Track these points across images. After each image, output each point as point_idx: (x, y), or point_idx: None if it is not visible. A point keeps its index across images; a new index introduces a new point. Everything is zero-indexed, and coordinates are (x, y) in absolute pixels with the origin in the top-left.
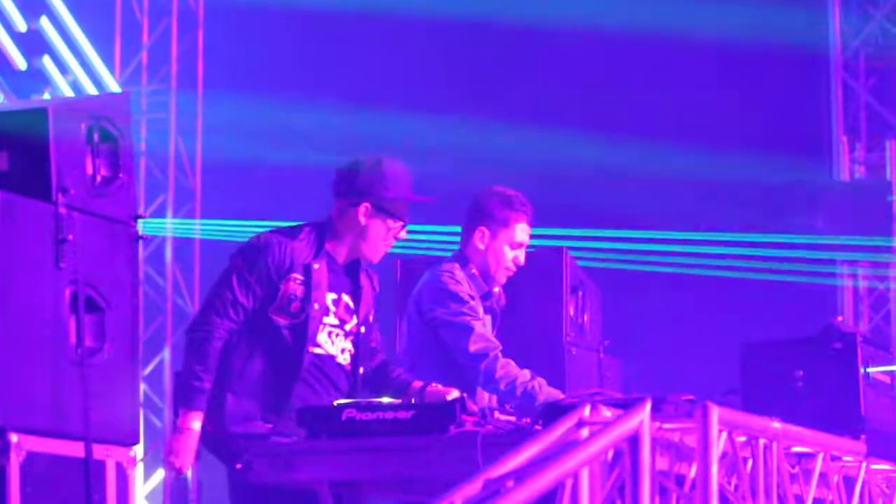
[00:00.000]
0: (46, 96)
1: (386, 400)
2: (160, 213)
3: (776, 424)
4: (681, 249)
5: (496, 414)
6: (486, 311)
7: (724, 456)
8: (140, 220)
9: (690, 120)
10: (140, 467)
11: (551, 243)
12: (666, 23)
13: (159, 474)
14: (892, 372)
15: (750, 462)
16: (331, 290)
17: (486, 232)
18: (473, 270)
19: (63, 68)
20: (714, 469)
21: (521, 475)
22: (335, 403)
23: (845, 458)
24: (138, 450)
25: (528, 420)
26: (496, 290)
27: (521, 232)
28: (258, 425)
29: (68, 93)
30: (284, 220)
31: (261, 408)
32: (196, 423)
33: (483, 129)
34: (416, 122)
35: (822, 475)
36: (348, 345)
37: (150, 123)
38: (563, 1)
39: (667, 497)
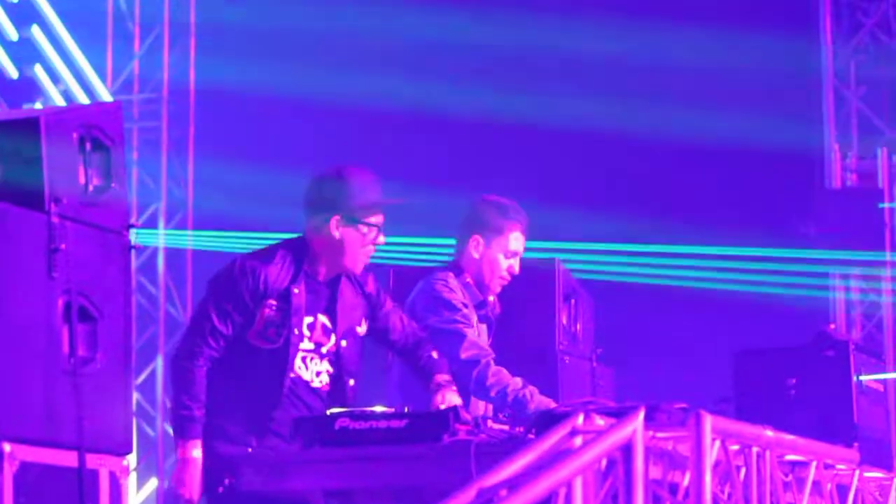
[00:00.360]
0: (38, 105)
1: (379, 409)
2: (152, 222)
3: (769, 433)
4: (674, 261)
5: (489, 423)
6: (480, 319)
7: (717, 464)
8: (132, 230)
9: (681, 130)
10: (133, 477)
11: (544, 255)
12: (655, 39)
13: (152, 483)
14: (884, 380)
15: (743, 470)
16: (308, 313)
17: (481, 241)
18: (468, 279)
19: (54, 77)
20: (707, 477)
21: (514, 484)
22: (329, 412)
23: (838, 467)
24: (131, 459)
25: (522, 429)
26: (491, 298)
27: (516, 241)
28: (239, 448)
29: (60, 102)
30: (277, 229)
31: (242, 431)
32: (195, 451)
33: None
34: (414, 130)
35: (816, 483)
36: (325, 366)
37: (142, 133)
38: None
39: None
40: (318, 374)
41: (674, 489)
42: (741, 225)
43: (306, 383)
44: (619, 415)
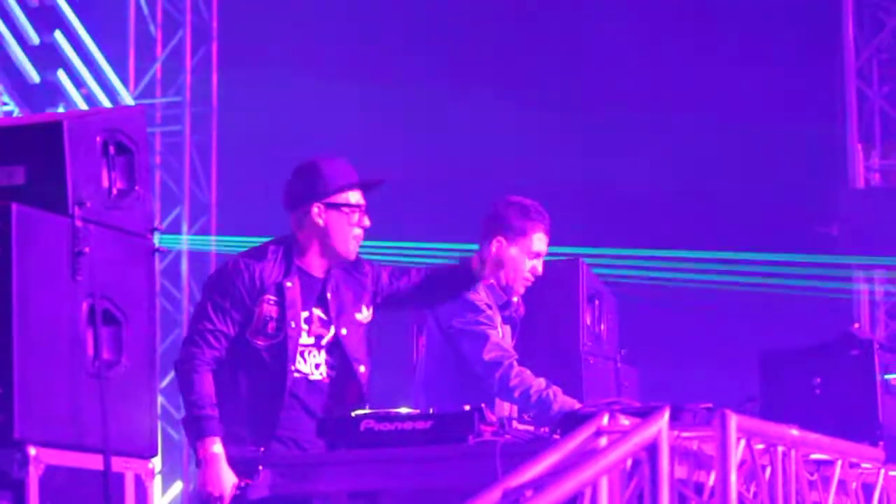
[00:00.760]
0: (61, 109)
1: (404, 410)
2: (176, 225)
3: (794, 432)
4: (699, 263)
5: (514, 423)
6: (504, 321)
7: (742, 464)
8: (156, 233)
9: (704, 133)
10: (158, 479)
11: (569, 251)
12: (678, 41)
13: (177, 487)
14: None
15: (768, 470)
16: (304, 308)
17: (504, 242)
18: (491, 281)
19: (77, 82)
20: (733, 477)
21: (539, 484)
22: (353, 414)
23: (863, 465)
24: (156, 462)
25: (547, 429)
26: (515, 299)
27: (539, 241)
28: (250, 450)
29: (82, 106)
30: None
31: (250, 432)
32: (215, 447)
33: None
34: (425, 136)
35: (841, 482)
36: (322, 357)
37: (165, 136)
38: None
39: None
40: (316, 366)
41: (699, 489)
42: (765, 225)
43: (306, 378)
44: (644, 415)
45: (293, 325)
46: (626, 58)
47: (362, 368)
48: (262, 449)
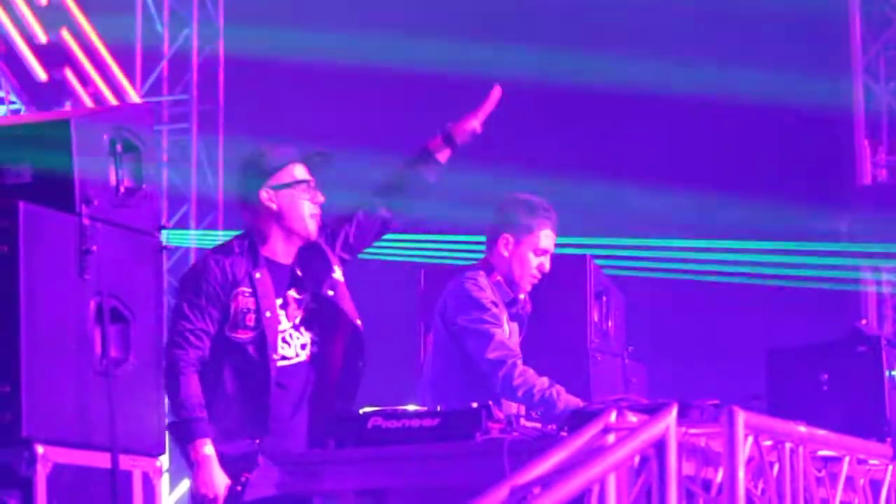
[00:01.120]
0: (68, 107)
1: (412, 408)
2: (183, 223)
3: (802, 428)
4: (705, 256)
5: (522, 421)
6: (511, 318)
7: (750, 460)
8: (163, 231)
9: (711, 126)
10: (166, 478)
11: (575, 251)
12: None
13: (185, 485)
14: None
15: (776, 466)
16: (277, 295)
17: (511, 239)
18: (498, 278)
19: (84, 79)
20: (740, 473)
21: (547, 482)
22: (361, 412)
23: (871, 462)
24: (164, 460)
25: (554, 427)
26: (521, 296)
27: (546, 238)
28: (245, 443)
29: (89, 104)
30: None
31: (241, 426)
32: (206, 449)
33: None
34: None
35: (849, 479)
36: (308, 337)
37: (172, 134)
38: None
39: (694, 502)
40: (303, 346)
41: (707, 485)
42: (772, 220)
43: (293, 364)
44: (652, 411)
45: (269, 314)
46: (634, 50)
47: (359, 321)
48: (258, 441)
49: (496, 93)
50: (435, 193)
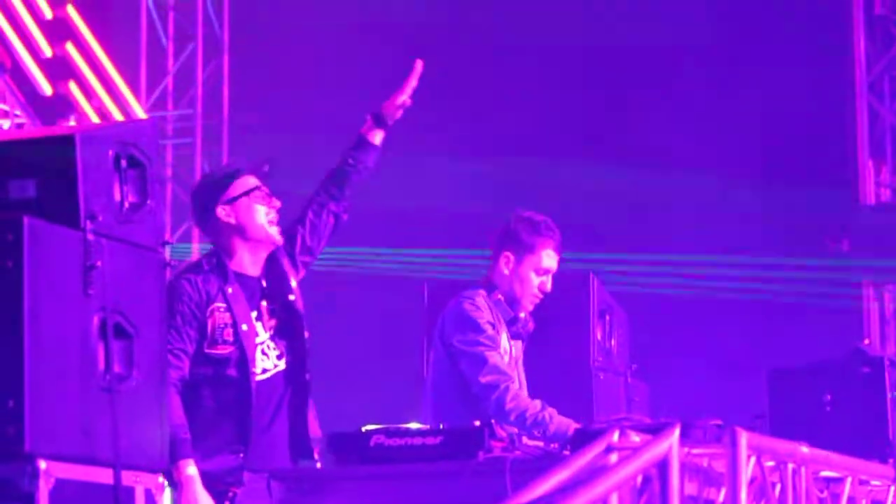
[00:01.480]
0: (72, 122)
1: (414, 426)
2: (187, 238)
3: (804, 449)
4: (708, 271)
5: (524, 440)
6: (513, 336)
7: (752, 481)
8: (168, 246)
9: (715, 144)
10: (168, 493)
11: (579, 266)
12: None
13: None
14: None
15: (778, 487)
16: (252, 308)
17: (512, 257)
18: (499, 296)
19: (89, 93)
20: (743, 494)
21: (549, 501)
22: (363, 429)
23: (873, 483)
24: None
25: (557, 446)
26: (522, 315)
27: (548, 258)
28: (229, 458)
29: (94, 118)
30: None
31: (225, 441)
32: (190, 469)
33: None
34: (428, 147)
35: (851, 499)
36: (284, 345)
37: (176, 149)
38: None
39: None
40: (279, 356)
41: None
42: (775, 240)
43: (271, 378)
44: (655, 431)
45: (245, 327)
46: (639, 69)
47: (307, 334)
48: (241, 455)
49: (418, 66)
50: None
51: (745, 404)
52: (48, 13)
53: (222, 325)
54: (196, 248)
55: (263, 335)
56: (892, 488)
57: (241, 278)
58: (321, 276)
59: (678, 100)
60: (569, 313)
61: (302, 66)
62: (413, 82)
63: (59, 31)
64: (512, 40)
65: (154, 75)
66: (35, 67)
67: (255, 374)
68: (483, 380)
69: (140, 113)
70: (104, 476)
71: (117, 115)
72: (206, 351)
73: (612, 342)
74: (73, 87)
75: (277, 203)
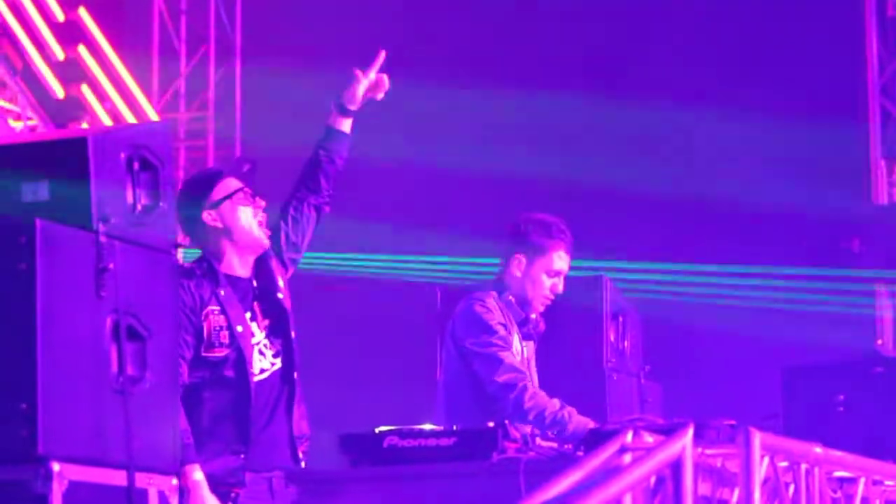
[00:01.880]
0: (84, 124)
1: (428, 427)
2: None
3: (818, 449)
4: (721, 278)
5: (538, 440)
6: (524, 337)
7: (766, 481)
8: (180, 249)
9: (726, 148)
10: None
11: (592, 272)
12: (700, 56)
13: None
14: None
15: (792, 487)
16: (245, 309)
17: (523, 260)
18: (510, 298)
19: (101, 96)
20: (756, 494)
21: (563, 502)
22: (377, 431)
23: (887, 483)
24: None
25: (571, 446)
26: (533, 316)
27: (560, 260)
28: (230, 459)
29: (106, 121)
30: (322, 249)
31: (225, 442)
32: (196, 475)
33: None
34: (443, 149)
35: (864, 500)
36: (278, 344)
37: (189, 151)
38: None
39: None
40: (275, 354)
41: None
42: (787, 241)
43: (268, 378)
44: (668, 432)
45: (240, 328)
46: (654, 72)
47: (293, 333)
48: (242, 456)
49: (381, 56)
50: None
51: (758, 405)
52: (60, 16)
53: (218, 328)
54: None
55: (259, 335)
56: None
57: (233, 280)
58: (335, 282)
59: (690, 100)
60: (582, 315)
61: (314, 67)
62: (375, 67)
63: (71, 33)
64: (530, 47)
65: (166, 78)
66: (47, 70)
67: (253, 374)
68: (499, 379)
69: (152, 115)
70: (117, 478)
71: (129, 118)
72: (204, 354)
73: (626, 343)
74: (85, 89)
75: (262, 203)
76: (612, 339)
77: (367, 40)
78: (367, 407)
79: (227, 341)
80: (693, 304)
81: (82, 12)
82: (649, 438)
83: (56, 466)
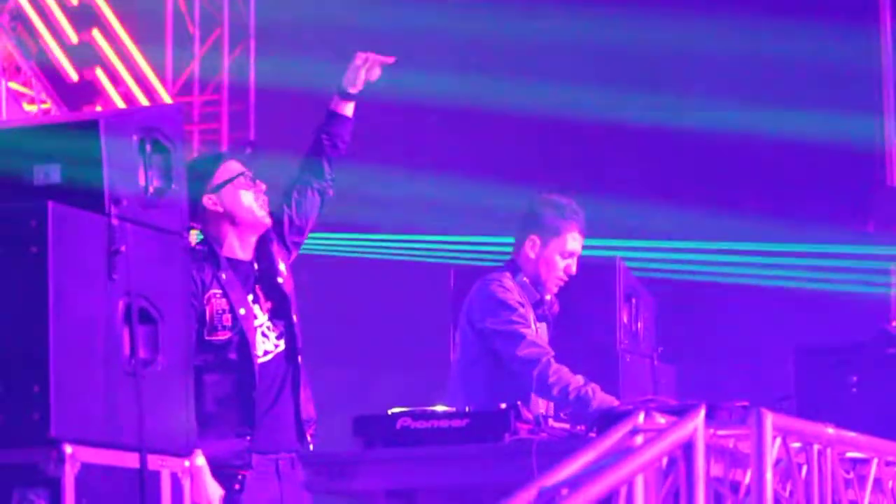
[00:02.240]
0: (98, 108)
1: (440, 408)
2: None
3: (830, 430)
4: (735, 258)
5: (550, 422)
6: (538, 318)
7: (778, 462)
8: (192, 231)
9: (740, 126)
10: None
11: (605, 253)
12: (711, 31)
13: None
14: None
15: (804, 468)
16: (247, 292)
17: (537, 241)
18: (524, 279)
19: (115, 80)
20: (769, 475)
21: (575, 483)
22: (389, 412)
23: None
24: None
25: (583, 428)
26: (548, 297)
27: (573, 241)
28: (235, 442)
29: (120, 104)
30: (335, 229)
31: (230, 425)
32: (198, 460)
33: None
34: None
35: (877, 480)
36: (281, 326)
37: (202, 135)
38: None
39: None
40: (278, 336)
41: (735, 487)
42: (801, 221)
43: (272, 360)
44: (680, 413)
45: (243, 311)
46: (666, 51)
47: (295, 318)
48: (248, 438)
49: (390, 60)
50: None
51: (770, 386)
52: (74, 0)
53: (220, 312)
54: None
55: (262, 317)
56: None
57: (234, 263)
58: (348, 264)
59: (701, 79)
60: (595, 297)
61: (329, 50)
62: (365, 55)
63: (85, 17)
64: (550, 40)
65: (180, 61)
66: (61, 54)
67: (256, 356)
68: (521, 353)
69: (166, 98)
70: (130, 460)
71: (143, 101)
72: (207, 338)
73: (639, 325)
74: (99, 73)
75: (263, 186)
76: (625, 320)
77: (380, 22)
78: (381, 389)
79: (229, 324)
80: (707, 285)
81: None
82: (661, 420)
83: (69, 449)
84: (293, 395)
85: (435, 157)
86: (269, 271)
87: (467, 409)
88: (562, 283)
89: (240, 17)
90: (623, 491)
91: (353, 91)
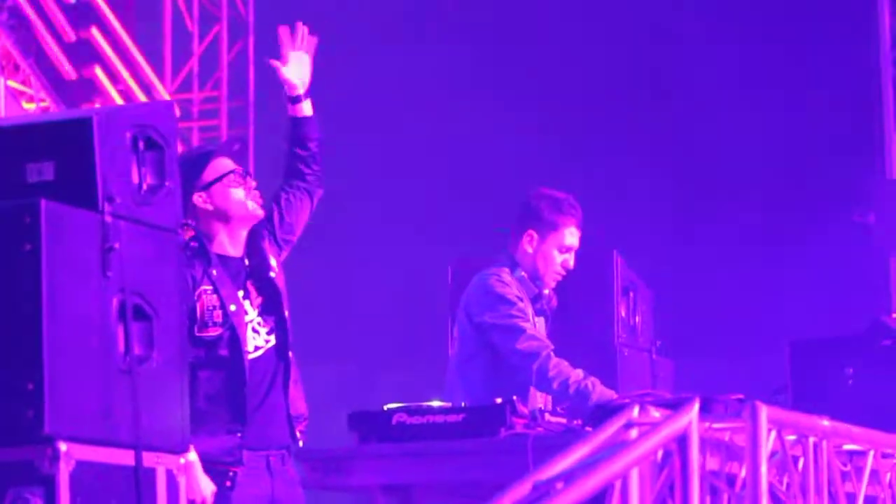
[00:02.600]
0: (96, 106)
1: (436, 403)
2: None
3: (826, 423)
4: (732, 253)
5: (546, 416)
6: (537, 313)
7: (773, 455)
8: (186, 228)
9: (738, 119)
10: None
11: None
12: (713, 29)
13: None
14: None
15: (801, 461)
16: (237, 288)
17: (535, 235)
18: (522, 273)
19: (114, 77)
20: (764, 468)
21: (570, 477)
22: (385, 408)
23: None
24: None
25: (579, 422)
26: (546, 292)
27: (571, 236)
28: (226, 438)
29: (119, 102)
30: (330, 229)
31: (221, 422)
32: (190, 456)
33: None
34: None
35: (874, 472)
36: (271, 321)
37: (202, 131)
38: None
39: (717, 497)
40: (269, 332)
41: (731, 480)
42: (801, 215)
43: (262, 355)
44: (675, 406)
45: (233, 307)
46: (662, 53)
47: (287, 313)
48: (239, 434)
49: (283, 33)
50: None
51: (765, 379)
52: None
53: (210, 308)
54: None
55: (252, 313)
56: None
57: (224, 260)
58: (345, 255)
59: (704, 73)
60: (593, 290)
61: (328, 46)
62: (286, 48)
63: (83, 15)
64: (554, 32)
65: (179, 58)
66: (59, 52)
67: (247, 352)
68: (521, 347)
69: (165, 96)
70: (125, 458)
71: (142, 99)
72: (198, 334)
73: (637, 319)
74: (98, 71)
75: (253, 182)
76: (622, 314)
77: (379, 16)
78: (377, 384)
79: (220, 320)
80: (704, 279)
81: None
82: (656, 413)
83: (63, 446)
84: (284, 390)
85: (435, 152)
86: (260, 266)
87: (463, 403)
88: (560, 278)
89: (238, 13)
90: (617, 485)
91: (294, 93)
